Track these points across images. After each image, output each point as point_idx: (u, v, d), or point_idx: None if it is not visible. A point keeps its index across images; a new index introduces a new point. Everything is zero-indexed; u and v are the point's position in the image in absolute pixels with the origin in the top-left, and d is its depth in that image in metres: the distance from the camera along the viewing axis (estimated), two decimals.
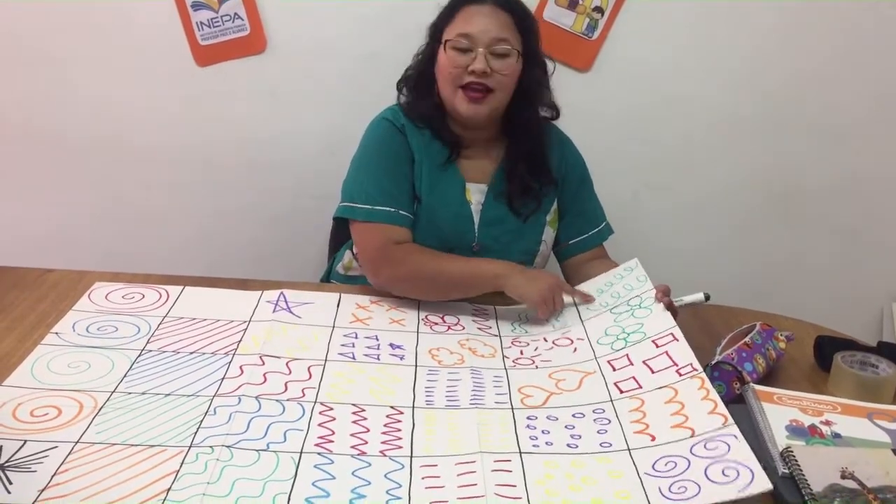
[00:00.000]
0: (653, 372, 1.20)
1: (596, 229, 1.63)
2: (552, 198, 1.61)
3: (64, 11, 1.92)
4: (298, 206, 2.11)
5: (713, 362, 1.24)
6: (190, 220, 2.14)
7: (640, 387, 1.19)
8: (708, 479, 0.96)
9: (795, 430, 1.10)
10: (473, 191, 1.56)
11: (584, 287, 1.49)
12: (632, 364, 1.24)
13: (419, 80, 1.56)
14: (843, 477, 0.99)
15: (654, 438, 1.07)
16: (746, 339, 1.30)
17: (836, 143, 2.13)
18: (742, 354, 1.26)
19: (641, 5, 1.97)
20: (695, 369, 1.17)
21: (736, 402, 1.18)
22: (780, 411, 1.14)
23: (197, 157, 2.07)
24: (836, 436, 1.10)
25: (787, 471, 1.01)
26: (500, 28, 1.45)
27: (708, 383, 1.14)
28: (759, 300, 1.66)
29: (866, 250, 2.24)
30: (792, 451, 1.03)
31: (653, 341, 1.26)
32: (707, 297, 1.37)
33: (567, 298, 1.45)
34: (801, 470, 1.00)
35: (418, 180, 1.53)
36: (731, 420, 1.05)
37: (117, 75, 1.99)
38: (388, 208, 1.48)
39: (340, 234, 1.83)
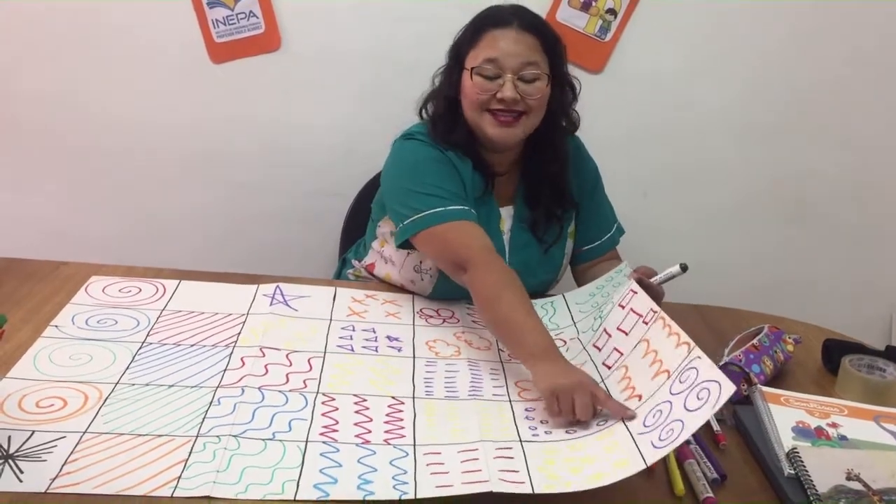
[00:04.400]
0: (627, 334, 1.21)
1: (608, 235, 1.59)
2: (571, 214, 1.56)
3: (81, 8, 1.94)
4: (311, 204, 2.11)
5: (721, 363, 1.24)
6: (201, 215, 2.14)
7: (622, 354, 1.20)
8: (687, 409, 0.97)
9: (802, 432, 1.10)
10: (504, 216, 1.50)
11: (577, 294, 1.48)
12: (610, 336, 1.25)
13: (444, 108, 1.45)
14: (848, 478, 0.99)
15: (641, 398, 1.08)
16: (754, 341, 1.31)
17: (847, 149, 2.12)
18: (750, 356, 1.26)
19: (654, 8, 1.97)
20: (655, 312, 1.18)
21: (743, 404, 1.18)
22: (786, 413, 1.14)
23: (209, 153, 2.07)
24: (843, 438, 1.10)
25: (792, 471, 1.01)
26: (528, 52, 1.36)
27: (669, 319, 1.14)
28: (768, 303, 1.65)
29: (875, 255, 2.22)
30: (798, 453, 1.03)
31: (619, 305, 1.27)
32: (684, 268, 1.29)
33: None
34: (806, 471, 1.00)
35: None
36: (693, 345, 1.06)
37: (133, 71, 2.00)
38: (461, 206, 1.36)
39: (351, 235, 1.84)
